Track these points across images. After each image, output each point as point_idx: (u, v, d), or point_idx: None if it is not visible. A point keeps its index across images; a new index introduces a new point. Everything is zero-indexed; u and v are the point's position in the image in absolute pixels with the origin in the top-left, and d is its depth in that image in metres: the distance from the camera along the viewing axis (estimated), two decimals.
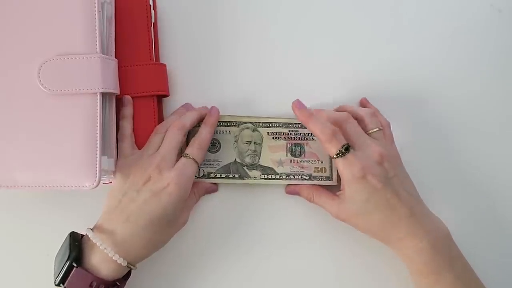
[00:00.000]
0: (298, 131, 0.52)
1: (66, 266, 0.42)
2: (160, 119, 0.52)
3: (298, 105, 0.49)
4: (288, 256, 0.52)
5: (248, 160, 0.51)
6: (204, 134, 0.49)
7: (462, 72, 0.55)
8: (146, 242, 0.45)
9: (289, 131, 0.52)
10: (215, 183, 0.52)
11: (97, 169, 0.45)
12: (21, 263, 0.50)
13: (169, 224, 0.46)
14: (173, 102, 0.53)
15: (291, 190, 0.52)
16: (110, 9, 0.48)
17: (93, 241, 0.43)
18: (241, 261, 0.52)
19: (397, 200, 0.45)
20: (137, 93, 0.49)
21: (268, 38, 0.55)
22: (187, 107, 0.53)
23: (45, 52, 0.45)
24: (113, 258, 0.43)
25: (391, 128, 0.51)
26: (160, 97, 0.52)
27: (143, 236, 0.44)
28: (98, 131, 0.45)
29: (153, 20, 0.51)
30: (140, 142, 0.49)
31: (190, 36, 0.54)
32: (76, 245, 0.44)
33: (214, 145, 0.51)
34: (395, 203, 0.45)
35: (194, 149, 0.48)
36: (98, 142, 0.45)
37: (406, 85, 0.55)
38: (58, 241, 0.50)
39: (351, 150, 0.46)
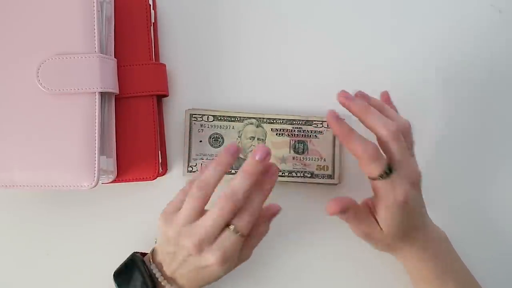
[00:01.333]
0: (301, 128, 0.51)
1: None
2: (160, 119, 0.51)
3: (334, 117, 0.41)
4: (287, 254, 0.51)
5: None
6: (256, 203, 0.41)
7: (462, 73, 0.55)
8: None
9: (292, 127, 0.51)
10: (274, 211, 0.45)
11: (96, 168, 0.44)
12: (20, 263, 0.50)
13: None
14: (173, 102, 0.53)
15: (335, 210, 0.42)
16: (109, 9, 0.48)
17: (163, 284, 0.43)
18: None
19: (419, 216, 0.45)
20: (137, 93, 0.49)
21: (269, 37, 0.54)
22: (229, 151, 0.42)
23: (44, 52, 0.45)
24: None
25: None
26: (160, 97, 0.52)
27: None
28: (96, 131, 0.45)
29: (153, 20, 0.51)
30: (139, 142, 0.49)
31: (190, 36, 0.54)
32: (150, 277, 0.43)
33: (217, 140, 0.51)
34: (416, 218, 0.44)
35: (244, 221, 0.41)
36: (96, 141, 0.45)
37: (406, 85, 0.54)
38: (57, 241, 0.51)
39: (394, 171, 0.41)
